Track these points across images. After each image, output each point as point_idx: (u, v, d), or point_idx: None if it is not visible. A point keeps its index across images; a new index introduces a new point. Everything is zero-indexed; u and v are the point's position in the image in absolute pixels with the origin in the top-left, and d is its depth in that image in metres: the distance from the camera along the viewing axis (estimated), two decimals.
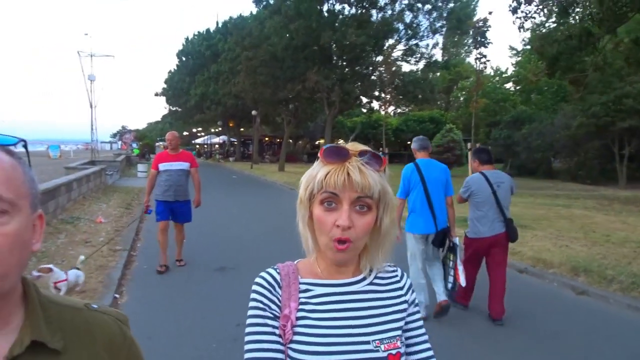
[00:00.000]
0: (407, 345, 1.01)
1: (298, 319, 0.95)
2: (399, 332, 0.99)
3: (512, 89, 40.78)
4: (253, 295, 0.98)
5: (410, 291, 1.07)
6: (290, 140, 40.78)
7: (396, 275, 1.07)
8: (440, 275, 4.44)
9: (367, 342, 0.94)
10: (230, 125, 45.73)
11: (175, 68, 46.95)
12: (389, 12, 23.63)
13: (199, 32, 43.99)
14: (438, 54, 34.63)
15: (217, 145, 57.27)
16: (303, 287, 0.99)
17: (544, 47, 10.19)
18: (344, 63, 25.20)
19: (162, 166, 5.94)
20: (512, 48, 44.30)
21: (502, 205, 4.39)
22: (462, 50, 50.54)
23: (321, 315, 0.95)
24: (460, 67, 46.19)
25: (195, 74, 41.55)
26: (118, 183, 17.62)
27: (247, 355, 0.93)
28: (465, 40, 40.34)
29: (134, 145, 44.41)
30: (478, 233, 4.46)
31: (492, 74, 41.09)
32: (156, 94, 50.88)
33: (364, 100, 29.80)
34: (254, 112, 32.78)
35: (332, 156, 0.93)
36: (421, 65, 26.39)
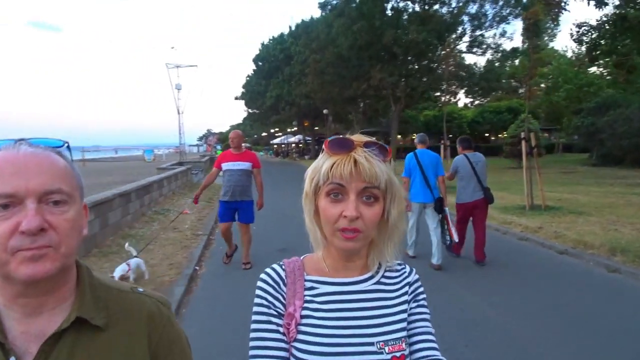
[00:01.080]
0: (409, 336, 0.98)
1: (302, 317, 0.94)
2: (404, 334, 0.96)
3: (597, 72, 37.82)
4: (258, 292, 0.97)
5: (417, 285, 1.04)
6: None
7: (404, 272, 1.05)
8: (436, 243, 5.79)
9: (372, 344, 0.92)
10: (305, 124, 47.33)
11: (252, 73, 49.50)
12: (453, 4, 23.45)
13: (273, 37, 46.04)
14: (511, 42, 33.18)
15: (293, 145, 59.30)
16: (308, 284, 0.98)
17: (580, 35, 9.88)
18: (409, 59, 25.37)
19: (225, 166, 5.90)
20: None
21: (480, 177, 5.87)
22: (544, 35, 47.65)
23: (325, 314, 0.94)
24: (541, 53, 43.58)
25: (270, 77, 43.60)
26: (202, 181, 19.41)
27: (251, 353, 0.93)
28: (547, 25, 38.08)
29: (218, 147, 47.48)
30: (463, 199, 6.01)
31: (574, 58, 38.34)
32: (236, 98, 53.95)
33: (433, 94, 29.66)
34: (325, 111, 33.86)
35: (337, 147, 0.92)
36: (488, 55, 25.80)
